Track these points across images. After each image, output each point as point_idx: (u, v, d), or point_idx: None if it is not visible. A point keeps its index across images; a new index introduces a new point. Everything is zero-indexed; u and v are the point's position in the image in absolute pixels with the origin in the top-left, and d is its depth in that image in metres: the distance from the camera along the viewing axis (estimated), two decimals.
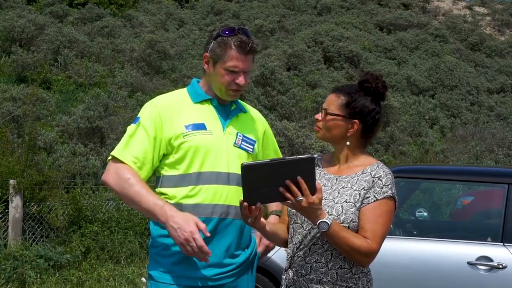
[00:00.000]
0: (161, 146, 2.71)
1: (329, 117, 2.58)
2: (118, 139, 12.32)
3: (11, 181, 7.68)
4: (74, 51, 17.78)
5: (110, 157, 2.74)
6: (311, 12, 31.30)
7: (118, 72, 17.53)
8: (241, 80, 2.71)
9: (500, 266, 4.61)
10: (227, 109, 2.82)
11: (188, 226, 2.51)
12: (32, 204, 7.98)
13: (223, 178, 2.70)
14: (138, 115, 2.77)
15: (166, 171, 2.73)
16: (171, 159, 2.71)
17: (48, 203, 8.12)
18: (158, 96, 2.88)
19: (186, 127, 2.71)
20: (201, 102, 2.79)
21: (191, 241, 2.50)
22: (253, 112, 2.98)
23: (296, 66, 22.75)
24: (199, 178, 2.68)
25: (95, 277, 7.24)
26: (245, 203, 2.36)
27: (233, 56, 2.68)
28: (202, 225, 2.55)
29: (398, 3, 35.58)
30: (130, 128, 2.75)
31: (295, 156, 2.31)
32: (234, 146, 2.75)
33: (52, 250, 7.47)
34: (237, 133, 2.78)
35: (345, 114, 2.57)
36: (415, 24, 31.92)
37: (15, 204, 7.66)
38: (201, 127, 2.72)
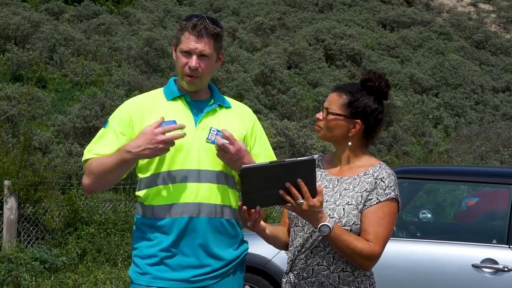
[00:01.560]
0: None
1: (331, 116, 2.57)
2: None
3: (6, 182, 7.68)
4: (70, 49, 17.76)
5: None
6: (312, 9, 31.28)
7: (115, 70, 17.52)
8: (191, 62, 2.71)
9: (506, 269, 4.61)
10: (203, 104, 2.81)
11: (150, 136, 2.55)
12: (27, 205, 7.98)
13: (193, 176, 2.69)
14: (108, 119, 2.82)
15: (141, 174, 2.76)
16: (144, 161, 2.73)
17: (43, 204, 8.12)
18: (132, 98, 2.91)
19: None
20: (174, 99, 2.80)
21: (160, 141, 2.54)
22: (240, 107, 2.94)
23: (297, 64, 22.74)
24: (169, 177, 2.69)
25: (92, 280, 7.23)
26: (244, 207, 2.36)
27: (186, 37, 2.71)
28: (158, 121, 2.59)
29: (401, 0, 35.58)
30: (99, 132, 2.80)
31: (295, 158, 2.31)
32: (207, 141, 2.73)
33: (47, 252, 7.47)
34: (211, 128, 2.75)
35: (347, 113, 2.56)
36: (418, 21, 31.90)
37: (10, 205, 7.66)
38: (171, 124, 2.71)
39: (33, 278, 7.05)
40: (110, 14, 23.50)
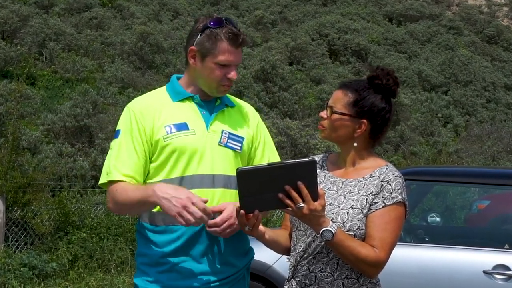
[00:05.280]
0: (150, 149, 2.73)
1: (335, 116, 2.55)
2: (107, 139, 12.30)
3: None
4: (60, 44, 17.79)
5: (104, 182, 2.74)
6: (315, 2, 31.32)
7: (108, 66, 17.55)
8: (233, 74, 2.71)
9: None
10: (211, 106, 2.80)
11: (182, 193, 2.49)
12: (16, 208, 7.98)
13: (207, 181, 2.69)
14: (118, 127, 2.78)
15: (150, 179, 2.73)
16: (153, 164, 2.72)
17: (32, 207, 8.12)
18: (135, 99, 2.88)
19: (167, 128, 2.71)
20: (181, 100, 2.78)
21: (189, 206, 2.45)
22: (243, 105, 2.95)
23: (299, 60, 22.77)
24: (182, 183, 2.67)
25: (83, 287, 7.24)
26: (242, 211, 2.35)
27: (225, 49, 2.67)
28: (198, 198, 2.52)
29: None
30: (113, 143, 2.76)
31: (294, 160, 2.29)
32: (219, 145, 2.74)
33: (36, 258, 7.47)
34: (222, 130, 2.76)
35: (352, 113, 2.54)
36: (427, 15, 31.94)
37: None
38: (183, 127, 2.71)
39: (22, 285, 7.05)
40: (102, 7, 23.53)
